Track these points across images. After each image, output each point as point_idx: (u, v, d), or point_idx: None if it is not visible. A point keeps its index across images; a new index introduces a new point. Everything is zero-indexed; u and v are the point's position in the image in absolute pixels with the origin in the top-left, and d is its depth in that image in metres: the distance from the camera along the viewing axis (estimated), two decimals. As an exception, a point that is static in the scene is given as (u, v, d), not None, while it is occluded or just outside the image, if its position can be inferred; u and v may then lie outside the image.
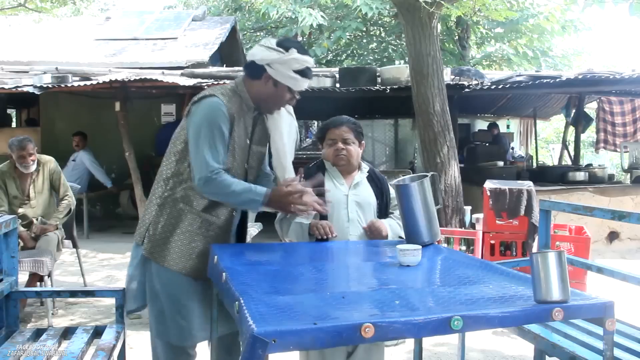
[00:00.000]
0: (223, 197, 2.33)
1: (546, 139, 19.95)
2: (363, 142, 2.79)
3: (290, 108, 2.60)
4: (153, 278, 2.41)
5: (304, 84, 2.42)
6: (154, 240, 2.40)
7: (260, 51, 2.38)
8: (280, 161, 2.55)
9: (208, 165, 2.26)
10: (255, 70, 2.40)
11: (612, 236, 7.43)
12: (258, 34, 17.76)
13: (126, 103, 7.69)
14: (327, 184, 2.67)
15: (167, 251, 2.37)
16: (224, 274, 1.92)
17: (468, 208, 5.83)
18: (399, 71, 7.72)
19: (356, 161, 2.73)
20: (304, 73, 2.39)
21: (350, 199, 2.65)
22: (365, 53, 14.62)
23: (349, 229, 2.62)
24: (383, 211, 2.73)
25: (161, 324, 2.41)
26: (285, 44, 2.37)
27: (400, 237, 2.58)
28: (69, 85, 7.31)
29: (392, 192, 2.74)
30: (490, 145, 9.95)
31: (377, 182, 2.76)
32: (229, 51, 11.26)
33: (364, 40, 14.95)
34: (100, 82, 7.39)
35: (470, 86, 7.56)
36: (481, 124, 12.63)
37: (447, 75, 7.55)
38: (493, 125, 10.71)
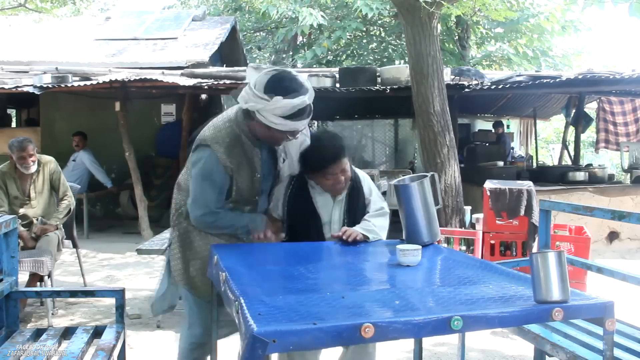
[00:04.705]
0: (223, 226, 2.47)
1: (546, 139, 19.94)
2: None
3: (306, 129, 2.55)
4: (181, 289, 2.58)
5: (296, 125, 2.32)
6: (175, 264, 2.55)
7: (249, 97, 2.32)
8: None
9: (206, 205, 2.41)
10: (249, 113, 2.37)
11: (612, 236, 7.42)
12: (258, 34, 17.75)
13: (126, 103, 7.70)
14: (312, 191, 2.64)
15: (189, 279, 2.52)
16: (224, 274, 1.92)
17: (468, 208, 5.82)
18: (399, 71, 7.71)
19: None
20: (294, 115, 2.28)
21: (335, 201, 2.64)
22: (365, 53, 14.59)
23: (328, 229, 2.63)
24: (360, 210, 2.64)
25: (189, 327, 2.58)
26: (271, 90, 2.25)
27: (401, 239, 2.58)
28: (69, 85, 7.32)
29: (374, 192, 2.70)
30: (490, 145, 9.95)
31: (353, 183, 2.65)
32: (229, 51, 11.25)
33: (364, 40, 14.94)
34: (100, 82, 7.40)
35: (470, 86, 7.55)
36: (481, 124, 12.62)
37: (447, 75, 7.54)
38: (498, 124, 10.70)
